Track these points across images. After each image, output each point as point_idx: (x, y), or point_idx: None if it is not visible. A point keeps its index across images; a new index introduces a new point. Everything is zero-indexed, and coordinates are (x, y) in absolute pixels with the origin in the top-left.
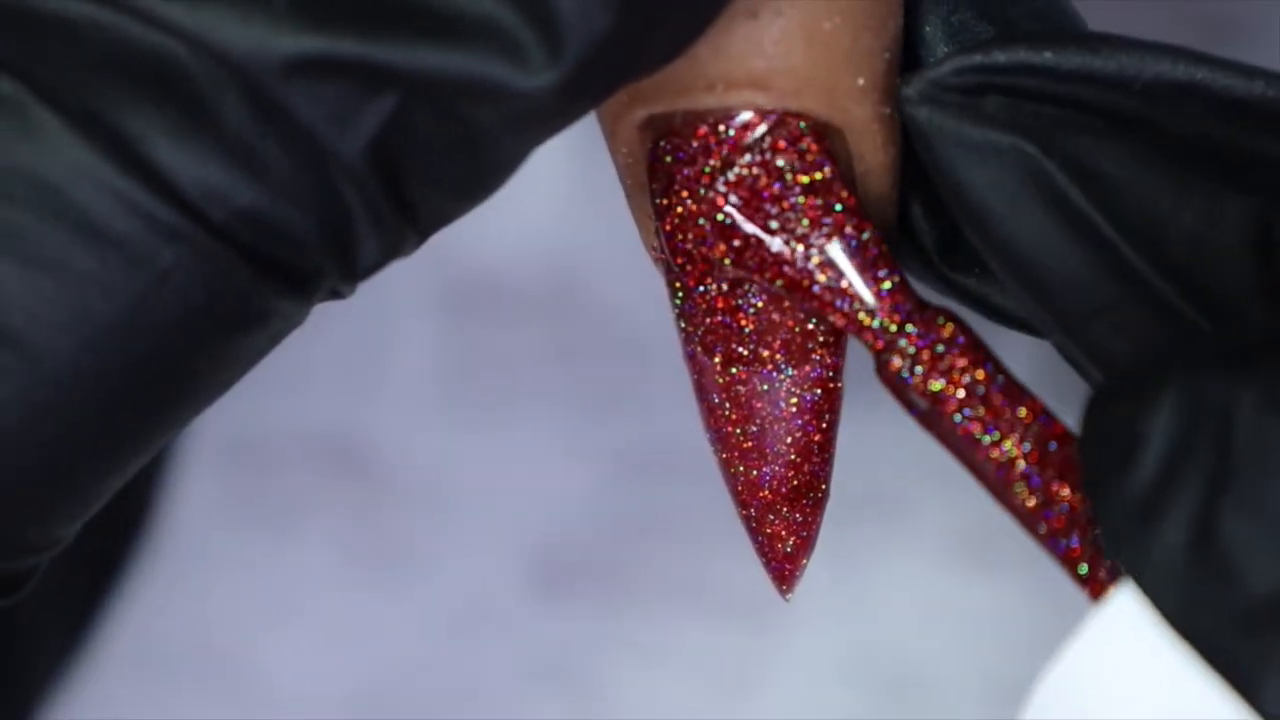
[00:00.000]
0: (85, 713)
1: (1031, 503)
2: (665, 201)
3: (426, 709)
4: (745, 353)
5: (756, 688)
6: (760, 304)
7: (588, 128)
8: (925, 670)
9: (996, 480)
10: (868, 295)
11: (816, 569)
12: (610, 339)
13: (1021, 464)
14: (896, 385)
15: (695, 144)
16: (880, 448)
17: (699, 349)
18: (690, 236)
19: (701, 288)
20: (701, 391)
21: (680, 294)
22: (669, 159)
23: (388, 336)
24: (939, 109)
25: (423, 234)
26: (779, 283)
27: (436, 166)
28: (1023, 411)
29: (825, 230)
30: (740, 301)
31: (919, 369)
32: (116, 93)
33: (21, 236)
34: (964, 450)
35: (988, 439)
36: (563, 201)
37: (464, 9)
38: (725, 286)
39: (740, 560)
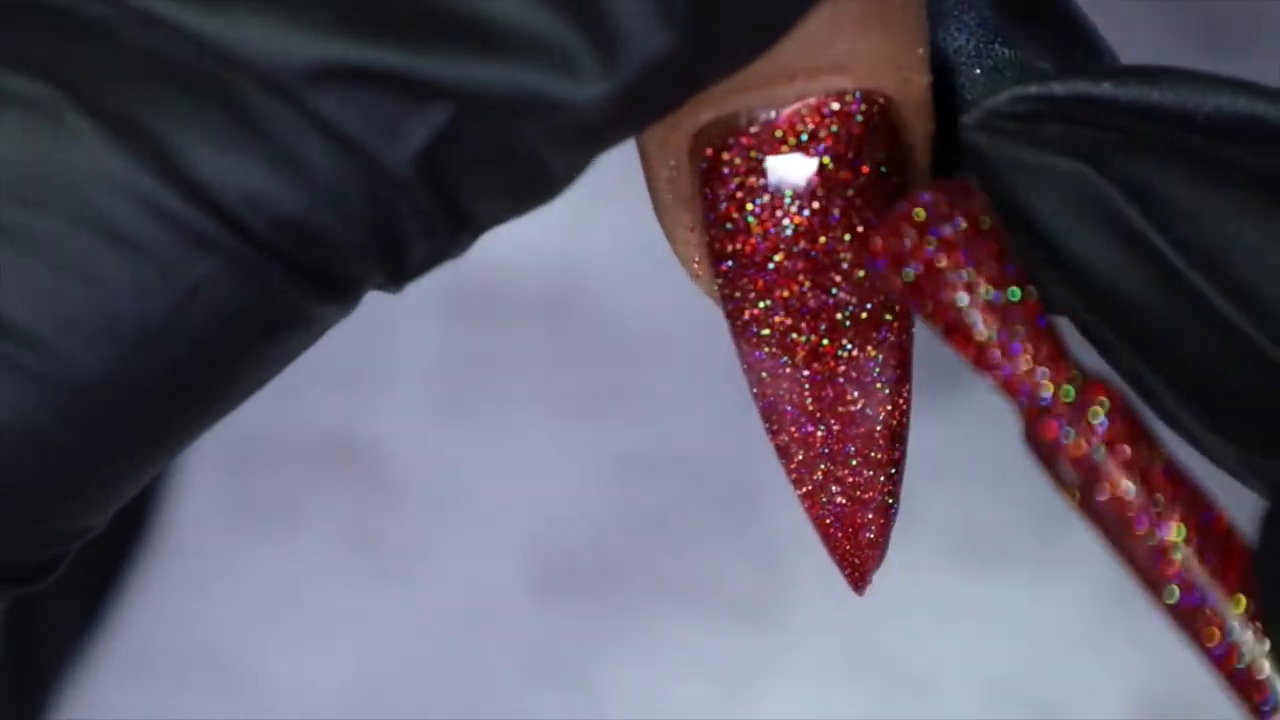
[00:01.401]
0: (85, 712)
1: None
2: (723, 213)
3: (426, 708)
4: (824, 344)
5: (757, 688)
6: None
7: None
8: (928, 670)
9: (1149, 567)
10: (1026, 353)
11: (817, 568)
12: (610, 340)
13: (1179, 555)
14: (1047, 451)
15: (763, 147)
16: None
17: (768, 352)
18: (760, 250)
19: (766, 303)
20: (771, 398)
21: (740, 307)
22: (726, 168)
23: (388, 337)
24: (997, 135)
25: (476, 234)
26: (929, 314)
27: (489, 177)
28: (1184, 495)
29: (979, 274)
30: (813, 301)
31: (1074, 434)
32: (155, 99)
33: (53, 243)
34: (1116, 531)
35: (1145, 521)
36: (563, 202)
37: (515, 22)
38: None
39: (740, 560)
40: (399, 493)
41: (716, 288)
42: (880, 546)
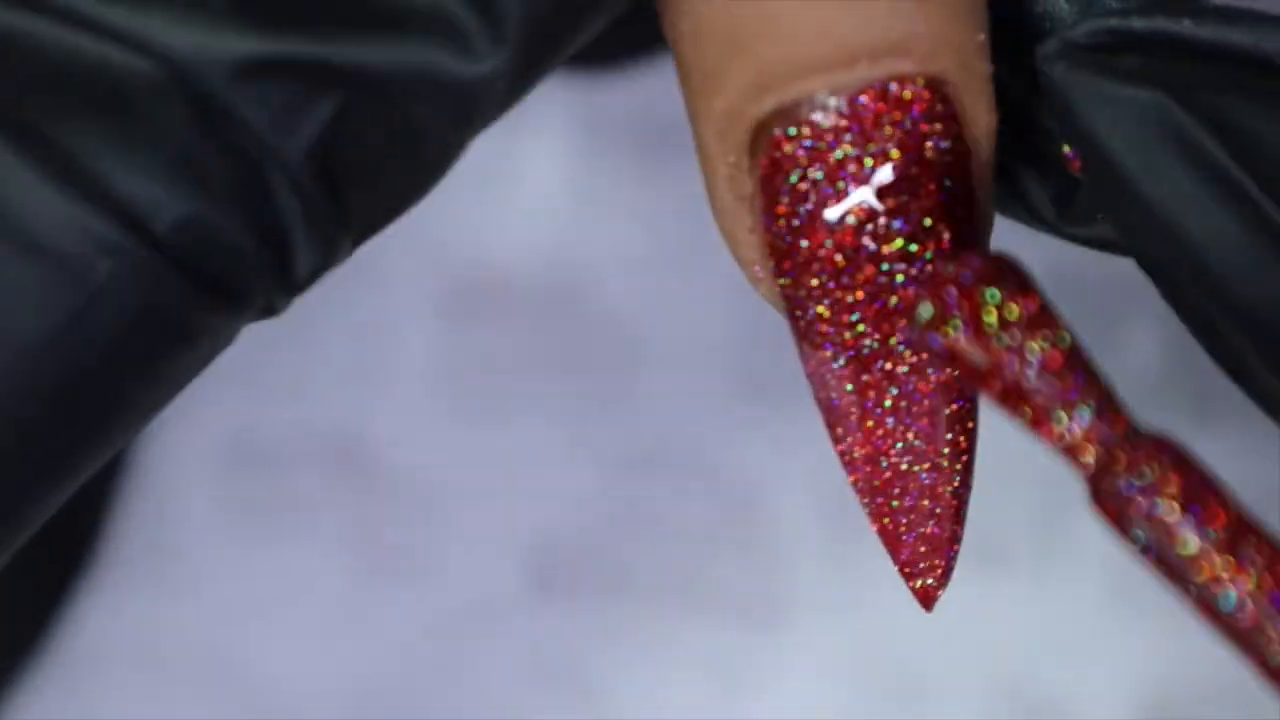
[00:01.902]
0: (84, 712)
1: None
2: (786, 207)
3: (426, 708)
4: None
5: (757, 687)
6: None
7: (587, 128)
8: (928, 670)
9: (1233, 630)
10: (1085, 409)
11: (817, 568)
12: (610, 339)
13: (1252, 607)
14: (1116, 507)
15: (826, 137)
16: None
17: (831, 354)
18: (824, 246)
19: (827, 301)
20: (835, 401)
21: (803, 307)
22: (788, 161)
23: (388, 336)
24: (1075, 65)
25: (355, 241)
26: (981, 380)
27: (376, 165)
28: (1257, 547)
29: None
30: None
31: (1140, 487)
32: (54, 105)
33: None
34: (1187, 585)
35: (1219, 575)
36: (563, 201)
37: (408, 1)
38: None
39: (740, 560)
40: (399, 493)
41: (779, 289)
42: (946, 555)
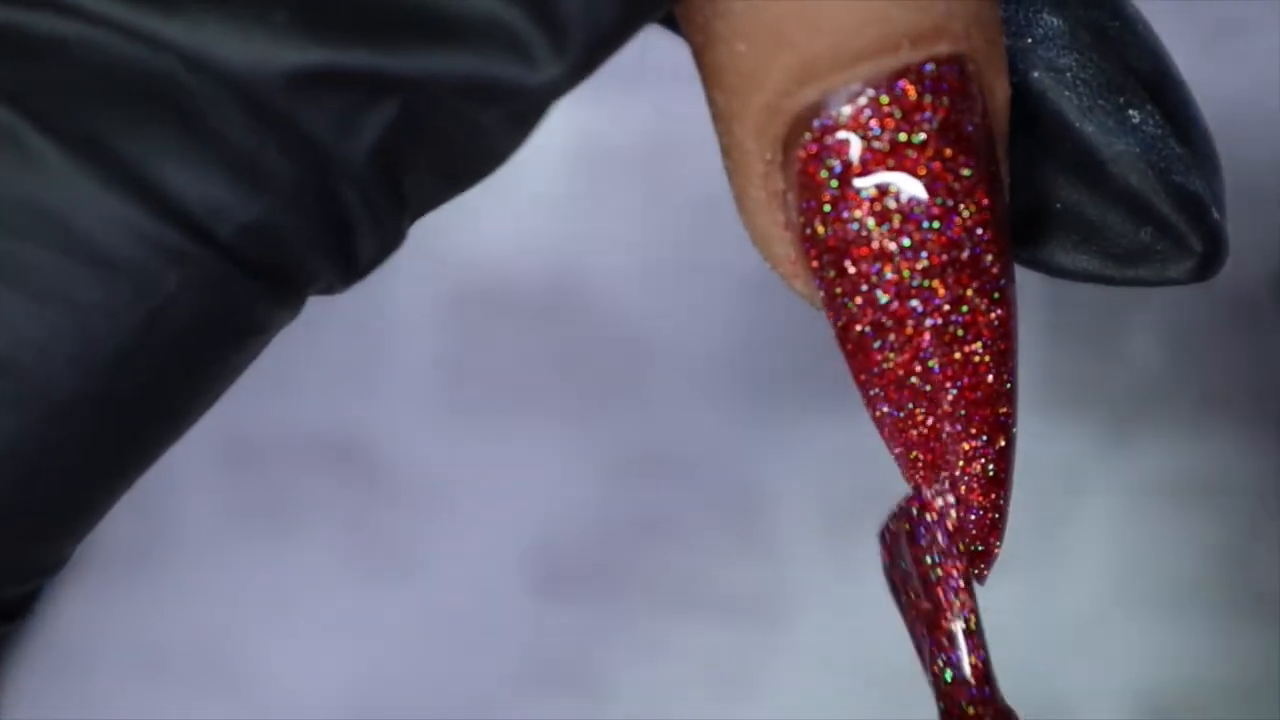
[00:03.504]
0: (84, 712)
1: None
2: (826, 197)
3: (426, 708)
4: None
5: (757, 687)
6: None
7: (588, 128)
8: None
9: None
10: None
11: (817, 568)
12: (610, 340)
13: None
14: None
15: (867, 125)
16: (880, 447)
17: (875, 348)
18: (863, 235)
19: (859, 291)
20: (879, 391)
21: (844, 299)
22: (827, 151)
23: (388, 337)
24: None
25: (412, 220)
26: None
27: (436, 162)
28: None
29: None
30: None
31: None
32: (115, 115)
33: (28, 269)
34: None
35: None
36: (563, 202)
37: (468, 10)
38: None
39: (740, 560)
40: (399, 493)
41: (816, 281)
42: (998, 526)
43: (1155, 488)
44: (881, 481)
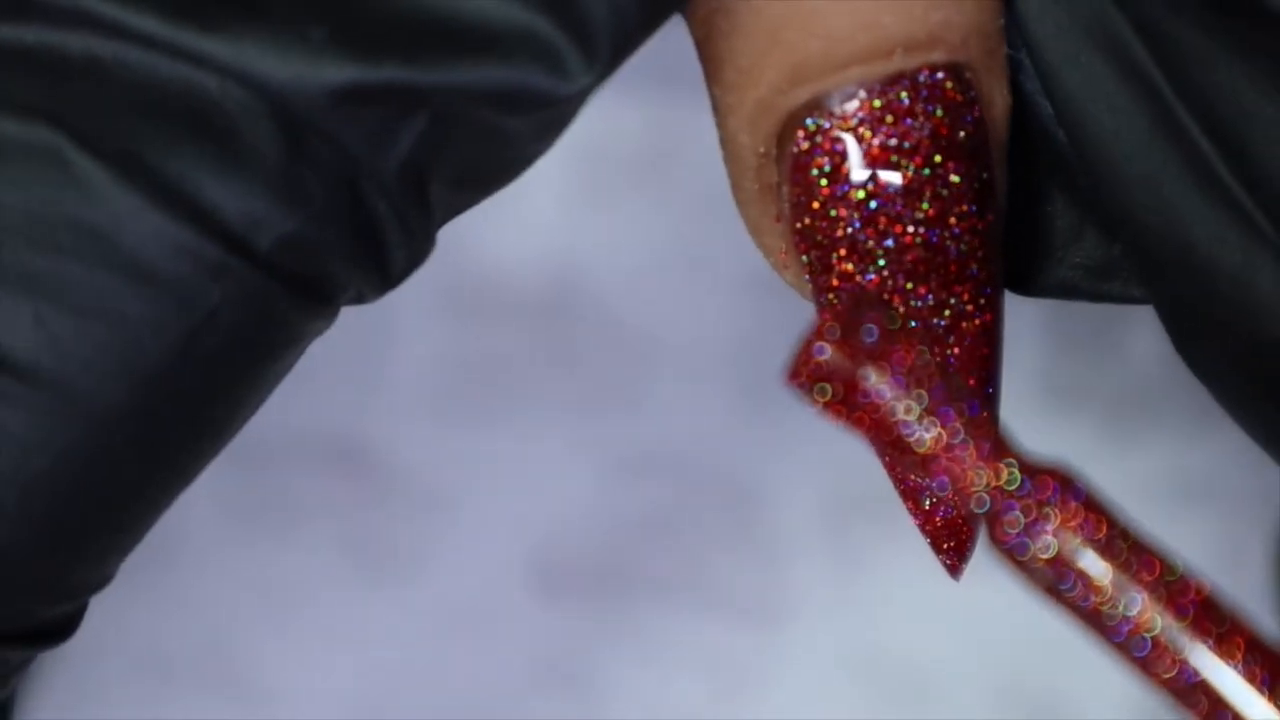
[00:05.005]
0: (84, 712)
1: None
2: (816, 194)
3: (426, 709)
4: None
5: (757, 687)
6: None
7: (588, 129)
8: (927, 670)
9: (1138, 657)
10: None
11: (817, 568)
12: (610, 340)
13: (1161, 633)
14: (1013, 550)
15: (860, 127)
16: None
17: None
18: (851, 231)
19: (843, 288)
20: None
21: (830, 291)
22: (819, 149)
23: (388, 337)
24: None
25: (440, 226)
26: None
27: (463, 170)
28: (1157, 570)
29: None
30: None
31: (1036, 528)
32: (154, 132)
33: (73, 287)
34: (1095, 623)
35: (1120, 608)
36: (563, 202)
37: (499, 23)
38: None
39: (740, 560)
40: (399, 493)
41: (805, 274)
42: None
43: (1155, 488)
44: (882, 481)
